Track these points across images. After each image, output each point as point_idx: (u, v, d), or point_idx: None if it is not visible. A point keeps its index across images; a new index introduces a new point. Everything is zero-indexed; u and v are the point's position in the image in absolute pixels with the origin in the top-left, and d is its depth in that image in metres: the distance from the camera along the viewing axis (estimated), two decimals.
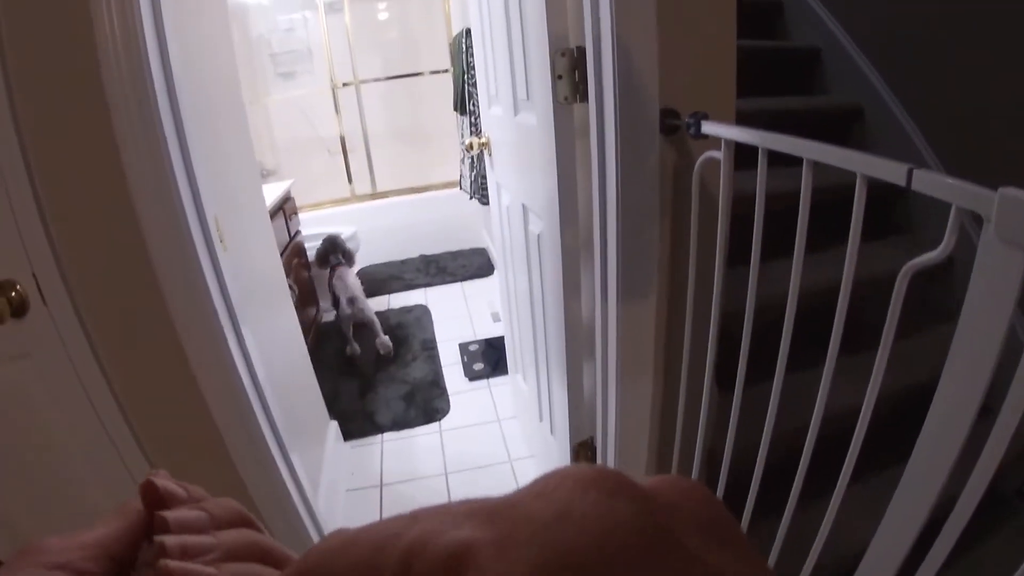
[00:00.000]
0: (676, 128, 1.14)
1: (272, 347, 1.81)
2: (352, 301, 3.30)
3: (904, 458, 1.13)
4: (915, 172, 0.67)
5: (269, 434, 1.44)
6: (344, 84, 4.63)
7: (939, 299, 1.88)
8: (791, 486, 1.05)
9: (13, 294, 1.19)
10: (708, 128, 1.04)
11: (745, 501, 1.17)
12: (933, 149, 1.99)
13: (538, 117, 1.44)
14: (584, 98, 1.25)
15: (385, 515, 1.89)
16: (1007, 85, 1.73)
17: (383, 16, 4.79)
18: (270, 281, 2.04)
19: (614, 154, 1.15)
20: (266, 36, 4.64)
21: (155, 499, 0.29)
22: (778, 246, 1.15)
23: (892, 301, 0.75)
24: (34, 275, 1.19)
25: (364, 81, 4.67)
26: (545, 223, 1.55)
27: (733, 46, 1.17)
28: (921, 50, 2.02)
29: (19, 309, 1.20)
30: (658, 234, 1.23)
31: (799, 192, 0.86)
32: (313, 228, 4.01)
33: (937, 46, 1.95)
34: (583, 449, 1.67)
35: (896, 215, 2.09)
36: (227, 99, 1.80)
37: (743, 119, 1.23)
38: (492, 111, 2.07)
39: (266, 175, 4.71)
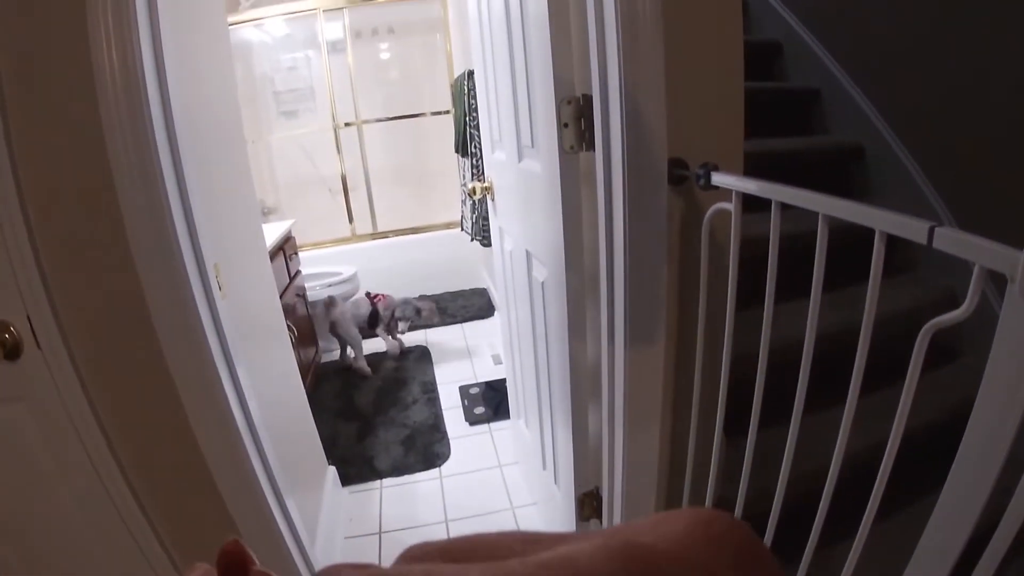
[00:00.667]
0: (684, 178, 1.12)
1: (269, 391, 1.78)
2: (334, 324, 3.57)
3: (916, 497, 1.09)
4: (937, 231, 0.66)
5: (264, 479, 1.41)
6: (346, 124, 4.66)
7: (942, 338, 1.86)
8: (804, 530, 1.01)
9: (7, 336, 1.19)
10: (719, 180, 1.03)
11: None
12: (935, 186, 1.99)
13: (543, 165, 1.44)
14: (590, 147, 1.24)
15: (384, 564, 1.86)
16: (1009, 119, 1.73)
17: (385, 56, 4.84)
18: (268, 323, 2.02)
19: (621, 205, 1.14)
20: (269, 74, 4.69)
21: (239, 562, 0.27)
22: (782, 288, 1.13)
23: (912, 359, 0.73)
24: (28, 318, 1.18)
25: (366, 121, 4.70)
26: (550, 271, 1.53)
27: (741, 94, 1.17)
28: (921, 89, 2.03)
29: (12, 352, 1.20)
30: (665, 283, 1.21)
31: (802, 234, 0.85)
32: (314, 267, 4.00)
33: (938, 84, 1.96)
34: (588, 500, 1.63)
35: (899, 255, 2.08)
36: (229, 140, 1.80)
37: (745, 161, 1.22)
38: (495, 156, 2.06)
39: (267, 213, 4.73)
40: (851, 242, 0.98)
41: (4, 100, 1.06)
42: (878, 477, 0.83)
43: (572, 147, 1.28)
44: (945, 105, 1.95)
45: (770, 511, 1.09)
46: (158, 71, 1.11)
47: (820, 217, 0.83)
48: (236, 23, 4.26)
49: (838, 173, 2.31)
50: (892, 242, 0.72)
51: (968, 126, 1.88)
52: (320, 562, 1.74)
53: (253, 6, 4.27)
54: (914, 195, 2.03)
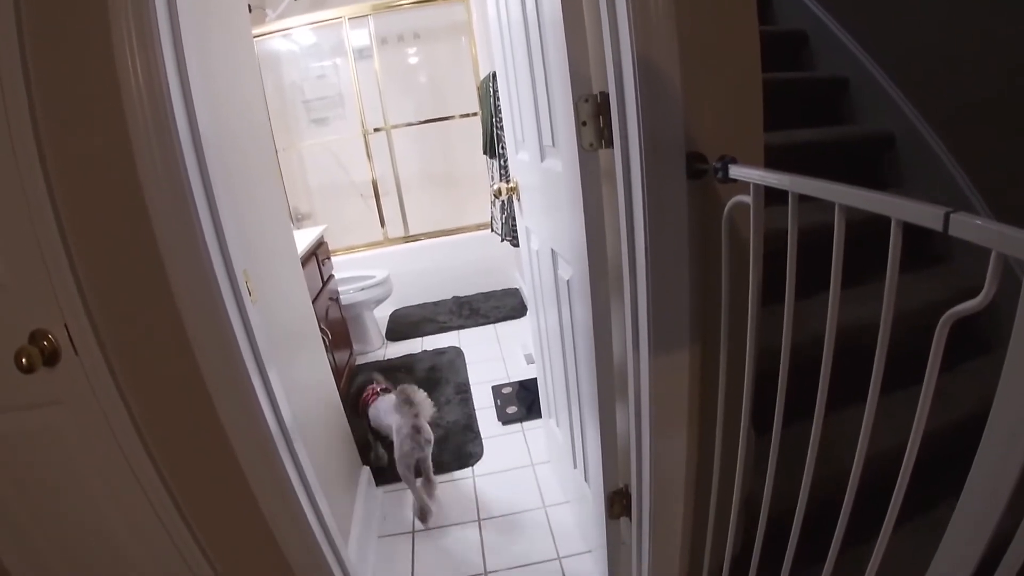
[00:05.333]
0: (703, 172, 1.12)
1: (301, 393, 1.81)
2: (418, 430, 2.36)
3: (948, 497, 1.07)
4: (952, 216, 0.64)
5: (296, 480, 1.43)
6: (375, 129, 4.71)
7: (980, 330, 1.82)
8: (833, 530, 1.00)
9: (45, 343, 1.23)
10: (736, 172, 1.02)
11: (785, 547, 1.12)
12: (968, 174, 1.95)
13: (564, 164, 1.44)
14: (609, 144, 1.23)
15: (417, 563, 1.84)
16: None
17: (412, 61, 4.89)
18: (300, 327, 2.05)
19: (641, 202, 1.14)
20: (299, 83, 4.76)
21: None
22: (808, 282, 1.11)
23: (932, 351, 0.72)
24: (66, 325, 1.22)
25: (396, 126, 4.74)
26: (574, 269, 1.54)
27: (759, 85, 1.16)
28: (953, 76, 1.99)
29: (51, 358, 1.24)
30: (688, 280, 1.20)
31: (828, 225, 0.83)
32: (347, 271, 4.05)
33: (970, 69, 1.92)
34: (618, 498, 1.63)
35: (935, 245, 2.04)
36: (257, 150, 1.83)
37: (772, 152, 1.21)
38: (519, 156, 2.07)
39: (301, 219, 4.80)
40: (876, 234, 0.96)
41: (35, 114, 1.10)
42: (900, 475, 0.82)
43: (591, 145, 1.29)
44: (978, 91, 1.91)
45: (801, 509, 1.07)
46: (183, 87, 1.14)
47: (836, 207, 0.82)
48: (264, 34, 4.33)
49: (868, 163, 2.27)
50: (925, 232, 0.71)
51: (1002, 111, 1.83)
52: (353, 563, 1.77)
53: (280, 17, 4.33)
54: (947, 184, 1.99)
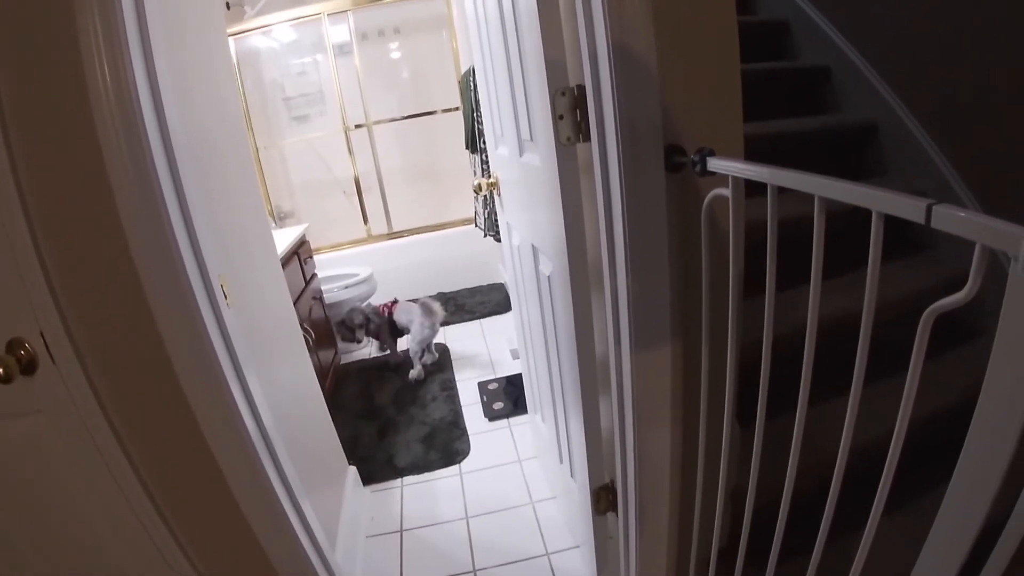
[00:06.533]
0: (682, 165, 1.10)
1: (283, 396, 1.78)
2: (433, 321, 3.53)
3: (935, 484, 1.07)
4: (935, 209, 0.63)
5: (278, 484, 1.42)
6: (357, 126, 4.67)
7: (966, 316, 1.82)
8: (819, 521, 0.99)
9: (22, 352, 1.21)
10: (714, 165, 1.01)
11: (772, 539, 1.11)
12: (951, 161, 1.95)
13: (542, 158, 1.42)
14: (587, 138, 1.22)
15: (405, 562, 1.83)
16: None
17: (392, 56, 4.85)
18: (281, 329, 2.02)
19: (619, 196, 1.12)
20: (279, 81, 4.72)
21: None
22: (790, 274, 1.10)
23: (916, 346, 0.71)
24: (42, 334, 1.21)
25: (377, 122, 4.71)
26: (555, 265, 1.52)
27: (737, 74, 1.14)
28: (936, 65, 1.98)
29: (29, 367, 1.23)
30: (669, 274, 1.19)
31: (810, 216, 0.82)
32: (331, 270, 4.02)
33: (954, 60, 1.92)
34: (604, 493, 1.62)
35: (918, 232, 2.04)
36: (233, 152, 1.79)
37: (754, 143, 1.20)
38: (499, 151, 2.05)
39: (284, 218, 4.76)
40: (858, 224, 0.95)
41: (5, 121, 1.08)
42: (885, 467, 0.81)
43: (569, 139, 1.27)
44: (962, 80, 1.90)
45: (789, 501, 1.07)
46: (152, 89, 1.12)
47: (816, 199, 0.81)
48: (243, 32, 4.28)
49: (852, 152, 2.27)
50: (906, 220, 0.70)
51: (987, 100, 1.83)
52: (340, 564, 1.75)
53: (259, 13, 4.28)
54: (932, 173, 1.99)
